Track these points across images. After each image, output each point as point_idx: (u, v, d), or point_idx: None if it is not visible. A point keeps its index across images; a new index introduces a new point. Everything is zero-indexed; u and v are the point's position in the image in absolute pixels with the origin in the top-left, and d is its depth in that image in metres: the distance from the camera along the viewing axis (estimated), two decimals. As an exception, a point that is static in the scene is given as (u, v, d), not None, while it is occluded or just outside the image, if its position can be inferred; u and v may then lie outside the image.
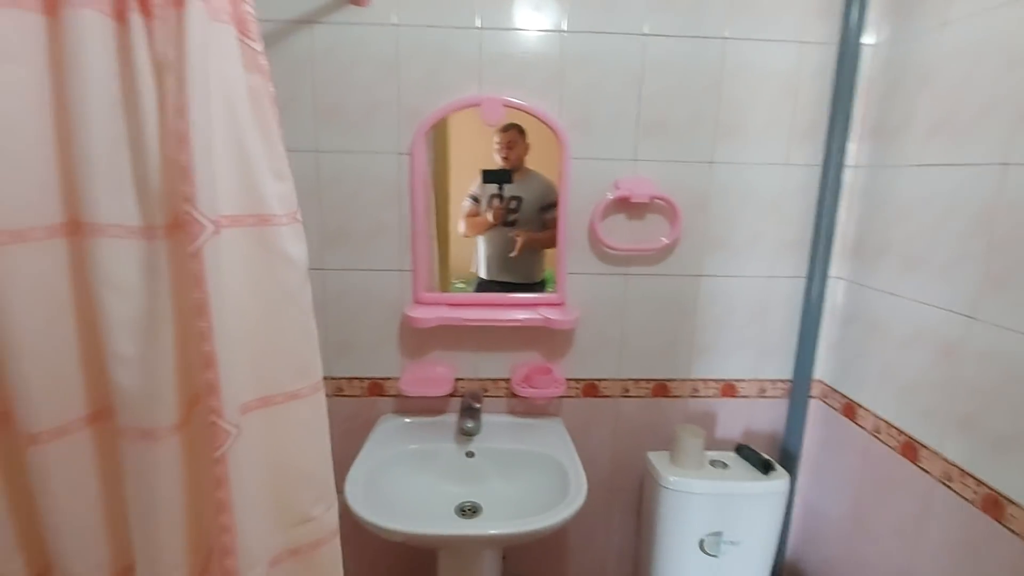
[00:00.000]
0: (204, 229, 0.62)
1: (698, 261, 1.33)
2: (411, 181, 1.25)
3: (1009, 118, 0.92)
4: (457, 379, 1.36)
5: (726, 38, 1.22)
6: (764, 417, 1.43)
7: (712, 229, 1.31)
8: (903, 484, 1.11)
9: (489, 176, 1.28)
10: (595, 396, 1.40)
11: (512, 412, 1.40)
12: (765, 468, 1.29)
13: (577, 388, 1.39)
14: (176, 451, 0.71)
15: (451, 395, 1.36)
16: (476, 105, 1.22)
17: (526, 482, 1.23)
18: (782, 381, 1.41)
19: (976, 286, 0.97)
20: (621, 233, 1.30)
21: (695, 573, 1.31)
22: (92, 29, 0.58)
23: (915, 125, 1.11)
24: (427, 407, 1.37)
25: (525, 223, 1.32)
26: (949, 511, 1.01)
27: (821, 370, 1.38)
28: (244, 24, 0.67)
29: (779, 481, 1.28)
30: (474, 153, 1.28)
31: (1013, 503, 0.89)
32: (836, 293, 1.34)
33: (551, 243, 1.30)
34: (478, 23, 1.19)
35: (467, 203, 1.31)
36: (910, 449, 1.10)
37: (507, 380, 1.37)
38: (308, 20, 1.17)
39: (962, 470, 0.99)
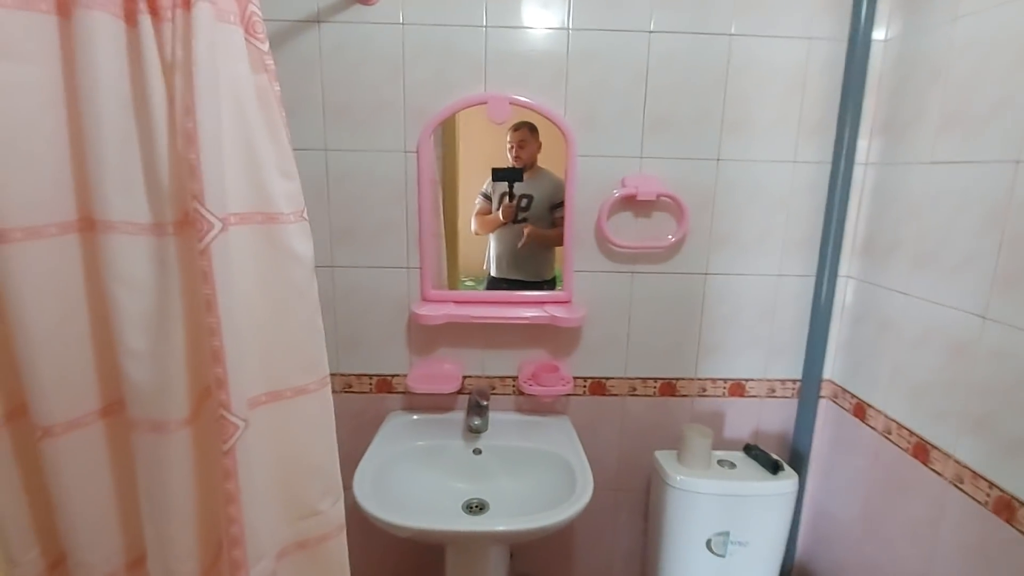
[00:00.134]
0: (212, 226, 0.63)
1: (705, 259, 1.32)
2: (418, 179, 1.26)
3: (1021, 114, 0.90)
4: (465, 376, 1.37)
5: (732, 34, 1.21)
6: (773, 417, 1.42)
7: (719, 227, 1.31)
8: (914, 486, 1.10)
9: (500, 175, 1.28)
10: (602, 395, 1.39)
11: (519, 410, 1.40)
12: (773, 468, 1.28)
13: (584, 386, 1.39)
14: (187, 444, 0.73)
15: (459, 392, 1.36)
16: (482, 103, 1.22)
17: (533, 480, 1.23)
18: (791, 381, 1.39)
19: (988, 285, 0.95)
20: (628, 231, 1.30)
21: (702, 573, 1.30)
22: (103, 30, 0.60)
23: (926, 121, 1.10)
24: (435, 404, 1.38)
25: (536, 221, 1.32)
26: (961, 514, 0.99)
27: (831, 370, 1.36)
28: (251, 25, 0.68)
29: (787, 481, 1.27)
30: (484, 151, 1.29)
31: (1026, 505, 0.88)
32: (846, 292, 1.32)
33: (560, 241, 1.30)
34: (484, 21, 1.20)
35: (479, 201, 1.32)
36: (921, 451, 1.08)
37: (514, 378, 1.38)
38: (316, 19, 1.19)
39: (974, 472, 0.97)
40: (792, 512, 1.30)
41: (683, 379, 1.39)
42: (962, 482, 0.99)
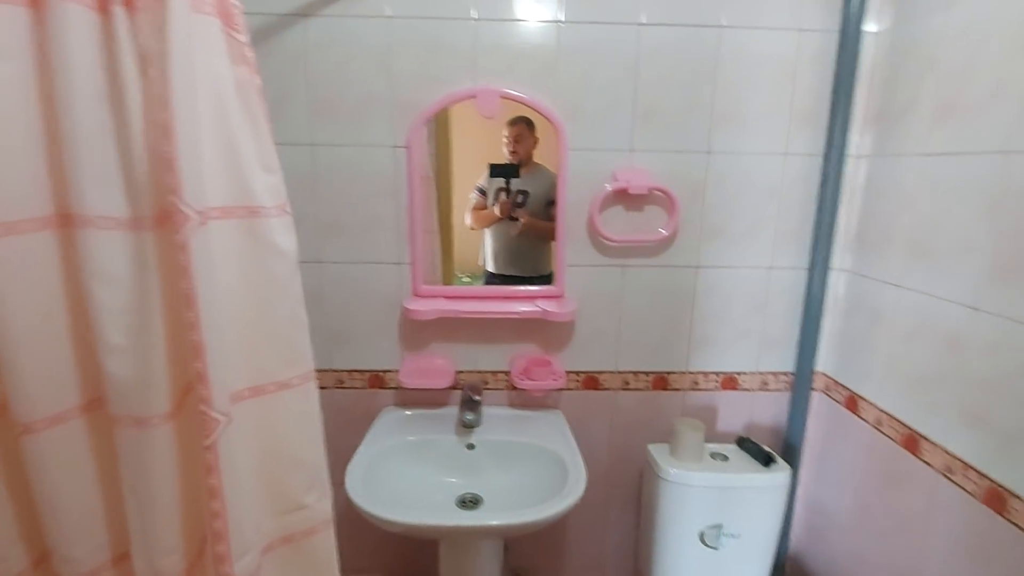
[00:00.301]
0: (189, 220, 0.62)
1: (697, 252, 1.32)
2: (408, 174, 1.25)
3: (1015, 104, 0.89)
4: (457, 371, 1.36)
5: (722, 26, 1.20)
6: (766, 410, 1.42)
7: (711, 219, 1.30)
8: (906, 477, 1.10)
9: (496, 170, 1.28)
10: (595, 389, 1.39)
11: (512, 404, 1.40)
12: (766, 461, 1.28)
13: (577, 381, 1.39)
14: (170, 439, 0.72)
15: (451, 387, 1.36)
16: (472, 97, 1.21)
17: (526, 474, 1.23)
18: (784, 374, 1.39)
19: (981, 277, 0.94)
20: (620, 225, 1.29)
21: (695, 565, 1.30)
22: (76, 21, 0.59)
23: (919, 112, 1.09)
24: (427, 399, 1.38)
25: (532, 217, 1.31)
26: (952, 505, 0.99)
27: (823, 362, 1.36)
28: (229, 16, 0.67)
29: (780, 474, 1.27)
30: (479, 145, 1.28)
31: (1016, 496, 0.88)
32: (838, 284, 1.31)
33: (554, 235, 1.29)
34: (473, 14, 1.19)
35: (474, 195, 1.31)
36: (911, 442, 1.08)
37: (507, 373, 1.37)
38: (301, 13, 1.17)
39: (964, 463, 0.97)
40: (785, 504, 1.30)
41: (675, 372, 1.38)
42: (951, 472, 0.99)
